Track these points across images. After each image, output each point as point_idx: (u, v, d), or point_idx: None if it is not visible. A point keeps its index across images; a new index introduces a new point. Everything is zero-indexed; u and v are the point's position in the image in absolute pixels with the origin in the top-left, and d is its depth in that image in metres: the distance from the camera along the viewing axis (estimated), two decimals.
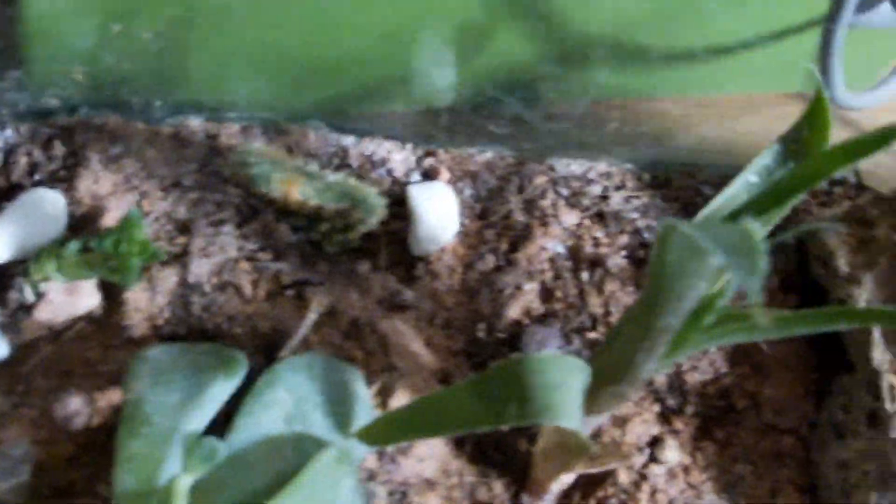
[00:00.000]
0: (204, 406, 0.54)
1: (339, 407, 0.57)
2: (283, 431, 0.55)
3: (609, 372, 0.54)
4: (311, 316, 0.58)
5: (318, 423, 0.56)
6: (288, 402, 0.55)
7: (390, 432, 0.53)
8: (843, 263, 0.65)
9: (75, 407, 0.57)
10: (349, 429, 0.56)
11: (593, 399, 0.56)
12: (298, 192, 0.59)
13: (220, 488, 0.53)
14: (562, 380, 0.53)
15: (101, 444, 0.57)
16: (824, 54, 0.62)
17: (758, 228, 0.43)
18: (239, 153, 0.61)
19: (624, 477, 0.62)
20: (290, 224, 0.62)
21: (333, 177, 0.61)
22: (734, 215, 0.56)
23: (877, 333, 0.63)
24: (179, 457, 0.52)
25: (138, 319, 0.59)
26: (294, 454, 0.54)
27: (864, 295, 0.64)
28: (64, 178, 0.65)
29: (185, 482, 0.51)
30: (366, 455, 0.58)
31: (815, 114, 0.56)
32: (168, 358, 0.56)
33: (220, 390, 0.55)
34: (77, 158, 0.65)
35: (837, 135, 0.52)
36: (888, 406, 0.62)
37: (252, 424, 0.55)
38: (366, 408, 0.57)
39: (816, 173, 0.49)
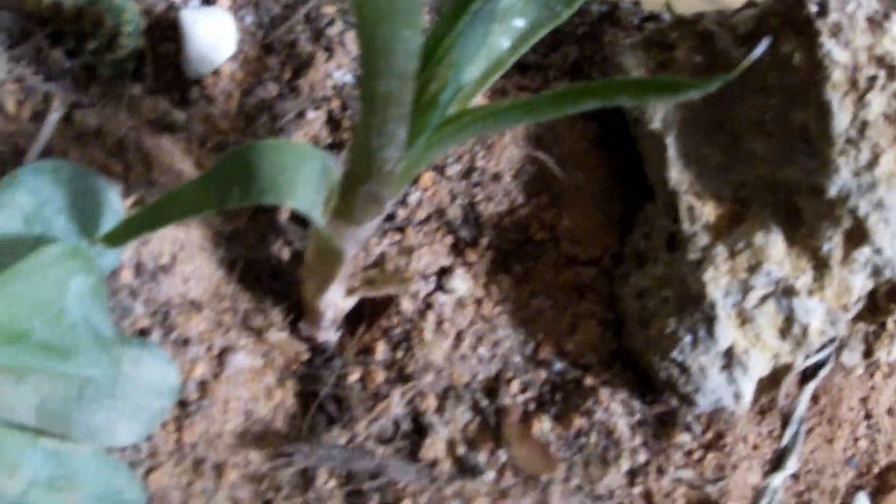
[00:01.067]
0: None
1: (86, 213, 0.55)
2: (21, 233, 0.53)
3: (357, 170, 0.52)
4: (54, 115, 0.56)
5: (59, 227, 0.54)
6: (28, 204, 0.53)
7: (127, 231, 0.52)
8: None
9: None
10: (95, 235, 0.55)
11: (349, 205, 0.53)
12: None
13: None
14: (291, 163, 0.50)
15: None
16: None
17: None
18: None
19: (407, 305, 0.59)
20: (65, 49, 0.61)
21: None
22: None
23: (672, 153, 0.60)
24: None
25: None
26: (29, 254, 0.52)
27: (658, 114, 0.61)
28: None
29: None
30: (119, 267, 0.56)
31: None
32: None
33: None
34: None
35: None
36: (686, 227, 0.59)
37: None
38: (117, 217, 0.55)
39: None
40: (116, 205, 0.56)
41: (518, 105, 0.51)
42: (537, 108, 0.50)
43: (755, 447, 0.62)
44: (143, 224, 0.51)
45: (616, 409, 0.59)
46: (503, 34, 0.57)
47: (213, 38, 0.61)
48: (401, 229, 0.61)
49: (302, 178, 0.50)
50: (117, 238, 0.52)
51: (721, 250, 0.58)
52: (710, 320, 0.57)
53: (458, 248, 0.61)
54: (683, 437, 0.61)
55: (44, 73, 0.60)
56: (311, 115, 0.61)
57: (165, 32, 0.62)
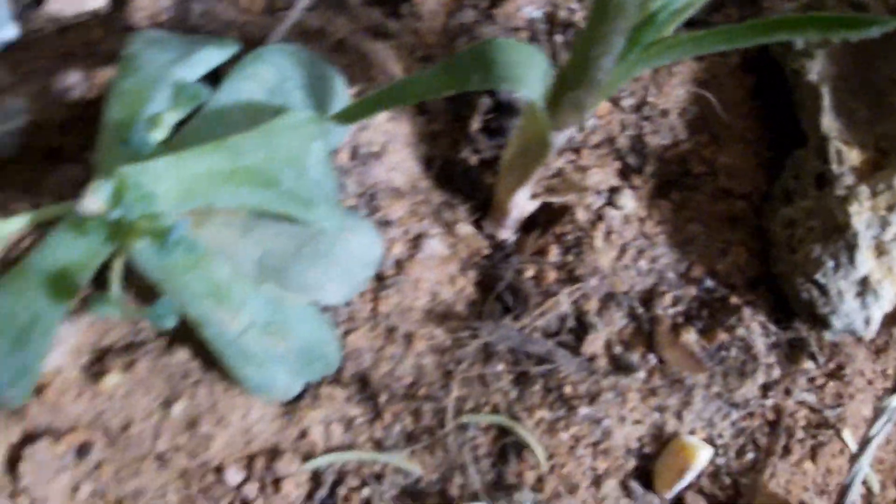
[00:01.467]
0: (194, 64, 0.58)
1: (319, 94, 0.61)
2: (265, 101, 0.59)
3: (569, 75, 0.58)
4: (300, 5, 0.63)
5: (297, 101, 0.60)
6: (272, 77, 0.59)
7: (362, 108, 0.57)
8: (799, 40, 0.69)
9: (73, 80, 0.61)
10: (326, 114, 0.61)
11: (555, 109, 0.60)
12: None
13: (199, 134, 0.57)
14: (524, 60, 0.57)
15: (93, 116, 0.60)
16: None
17: None
18: None
19: (581, 215, 0.66)
20: None
21: None
22: None
23: (826, 103, 0.67)
24: (167, 100, 0.56)
25: (140, 17, 0.64)
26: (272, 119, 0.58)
27: (815, 67, 0.68)
28: None
29: (169, 117, 0.55)
30: (340, 146, 0.62)
31: None
32: (165, 35, 0.61)
33: (211, 55, 0.59)
34: None
35: None
36: (834, 168, 0.66)
37: (235, 90, 0.59)
38: (343, 102, 0.61)
39: None
40: (342, 92, 0.62)
41: (719, 32, 0.58)
42: (736, 36, 0.57)
43: (870, 382, 0.69)
44: (378, 103, 0.57)
45: (755, 329, 0.66)
46: None
47: None
48: (576, 150, 0.67)
49: (532, 73, 0.57)
50: (351, 115, 0.58)
51: (864, 189, 0.64)
52: (851, 248, 0.64)
53: (624, 174, 0.68)
54: (809, 364, 0.67)
55: None
56: None
57: None
